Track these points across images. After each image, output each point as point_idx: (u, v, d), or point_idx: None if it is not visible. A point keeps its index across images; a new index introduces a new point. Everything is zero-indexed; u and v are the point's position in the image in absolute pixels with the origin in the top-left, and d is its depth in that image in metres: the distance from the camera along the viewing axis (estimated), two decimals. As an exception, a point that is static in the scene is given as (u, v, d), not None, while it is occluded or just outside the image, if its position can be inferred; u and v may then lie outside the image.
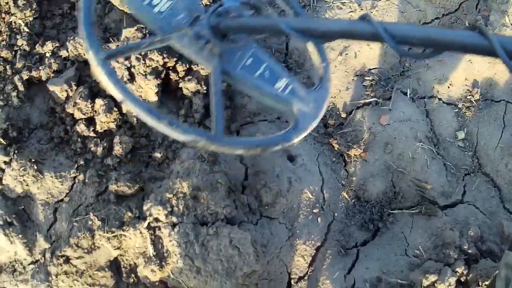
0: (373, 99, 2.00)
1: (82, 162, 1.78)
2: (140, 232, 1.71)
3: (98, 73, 0.95)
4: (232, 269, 1.64)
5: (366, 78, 2.03)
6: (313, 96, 1.06)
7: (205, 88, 1.79)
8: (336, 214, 1.86)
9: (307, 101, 1.04)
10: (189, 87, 1.79)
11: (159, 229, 1.69)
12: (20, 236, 1.78)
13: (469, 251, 1.91)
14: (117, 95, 0.94)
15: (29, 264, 1.79)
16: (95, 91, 1.81)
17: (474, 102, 2.10)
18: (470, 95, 2.10)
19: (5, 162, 1.79)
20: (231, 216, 1.68)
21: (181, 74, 1.80)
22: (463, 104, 2.09)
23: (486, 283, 1.81)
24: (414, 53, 0.77)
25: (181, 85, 1.80)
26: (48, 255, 1.77)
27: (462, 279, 1.85)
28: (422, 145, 1.97)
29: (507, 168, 2.06)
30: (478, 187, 2.07)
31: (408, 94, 2.05)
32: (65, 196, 1.78)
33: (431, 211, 1.94)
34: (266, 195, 1.73)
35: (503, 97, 2.13)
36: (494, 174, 2.12)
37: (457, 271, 1.82)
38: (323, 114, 1.07)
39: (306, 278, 1.79)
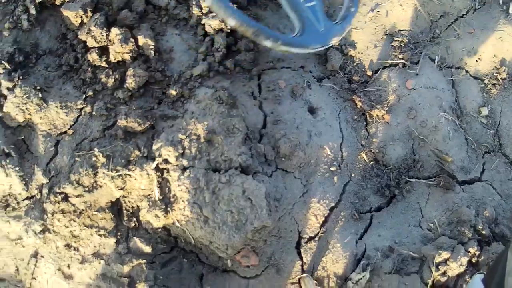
0: (400, 60, 1.92)
1: (90, 93, 1.66)
2: (147, 173, 1.60)
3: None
4: (242, 222, 1.53)
5: (396, 38, 1.95)
6: (329, 25, 1.03)
7: (228, 27, 1.69)
8: (353, 175, 1.77)
9: (320, 24, 0.99)
10: (212, 24, 1.68)
11: (168, 171, 1.59)
12: (17, 168, 1.66)
13: (483, 232, 1.84)
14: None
15: (23, 200, 1.67)
16: (111, 20, 1.70)
17: (501, 80, 2.03)
18: (497, 73, 2.04)
19: (8, 88, 1.67)
20: (246, 164, 1.58)
21: (205, 10, 1.70)
22: (489, 81, 2.03)
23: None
24: None
25: (203, 21, 1.70)
26: (45, 191, 1.65)
27: (474, 260, 1.79)
28: (446, 115, 1.89)
29: (527, 153, 1.99)
30: (497, 167, 2.00)
31: (436, 61, 1.98)
32: (69, 129, 1.66)
33: (449, 185, 1.86)
34: (284, 146, 1.63)
35: (530, 79, 2.07)
36: (513, 157, 2.06)
37: (470, 251, 1.76)
38: (327, 44, 1.03)
39: (316, 239, 1.70)
